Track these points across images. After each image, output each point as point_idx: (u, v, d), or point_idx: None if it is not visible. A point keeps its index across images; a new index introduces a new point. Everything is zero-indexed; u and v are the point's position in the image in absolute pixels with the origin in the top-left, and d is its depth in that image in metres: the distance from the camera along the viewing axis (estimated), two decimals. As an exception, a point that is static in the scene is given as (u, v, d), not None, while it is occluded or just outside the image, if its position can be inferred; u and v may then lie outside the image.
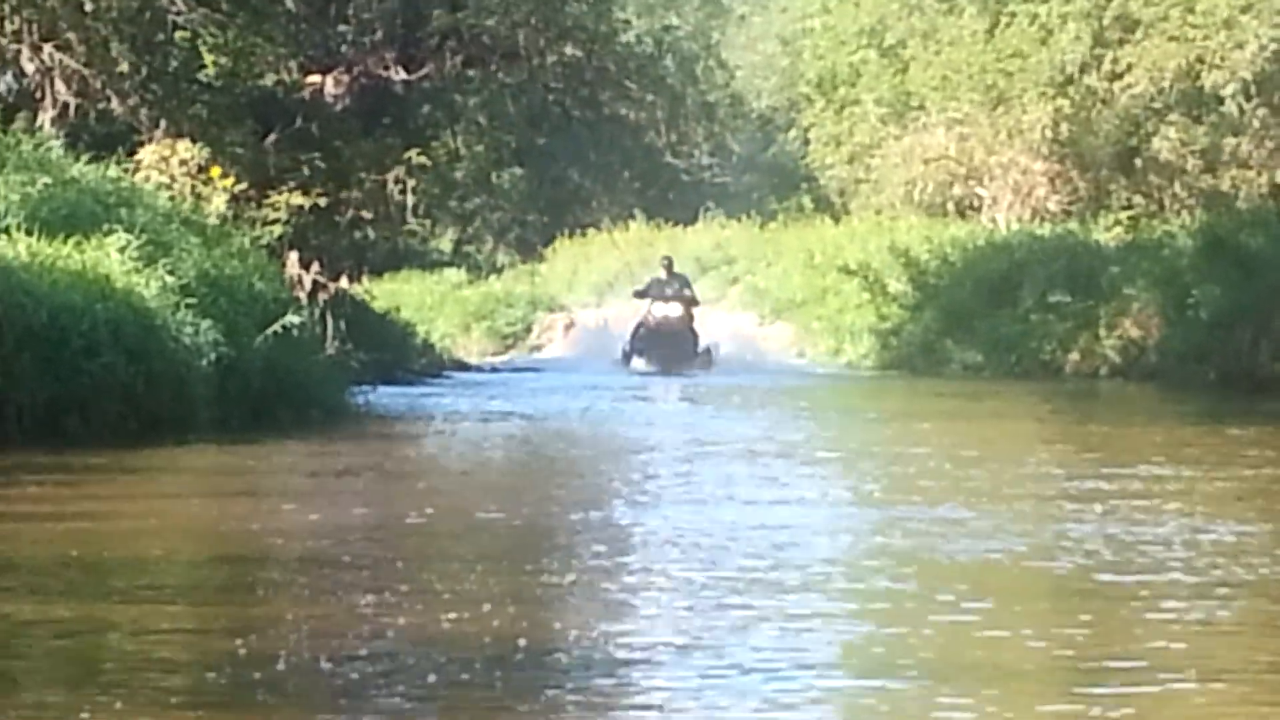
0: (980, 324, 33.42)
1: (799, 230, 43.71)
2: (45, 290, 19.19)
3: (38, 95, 27.78)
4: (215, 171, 26.32)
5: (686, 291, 33.10)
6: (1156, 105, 36.47)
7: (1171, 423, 23.53)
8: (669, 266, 35.26)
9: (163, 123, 28.04)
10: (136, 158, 25.22)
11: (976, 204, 39.56)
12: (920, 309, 34.46)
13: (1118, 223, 36.68)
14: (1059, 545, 11.72)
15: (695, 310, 33.78)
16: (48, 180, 21.76)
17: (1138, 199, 37.84)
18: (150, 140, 26.85)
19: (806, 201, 47.39)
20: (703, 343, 34.41)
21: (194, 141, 26.98)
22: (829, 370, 31.89)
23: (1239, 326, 27.44)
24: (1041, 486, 16.23)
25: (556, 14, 33.51)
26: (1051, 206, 37.97)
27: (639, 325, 32.90)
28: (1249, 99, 34.90)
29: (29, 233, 20.24)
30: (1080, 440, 21.04)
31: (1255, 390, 25.33)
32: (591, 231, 44.29)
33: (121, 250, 20.33)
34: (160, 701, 5.90)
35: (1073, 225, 37.17)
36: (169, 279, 20.58)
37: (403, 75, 31.83)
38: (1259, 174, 35.51)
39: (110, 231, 20.58)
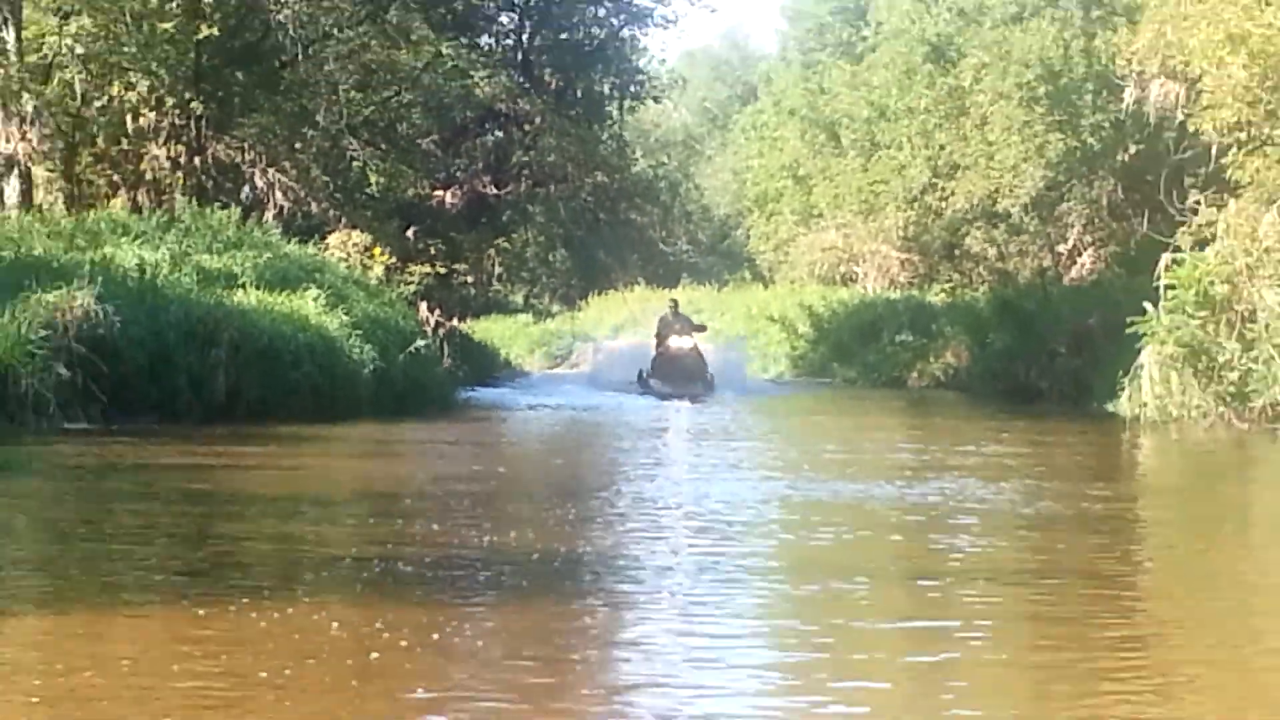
0: (856, 353, 35.57)
1: (741, 293, 46.18)
2: (267, 324, 19.12)
3: (265, 201, 27.13)
4: (376, 251, 26.31)
5: (690, 329, 29.95)
6: (969, 216, 38.66)
7: (973, 417, 24.12)
8: (674, 307, 31.30)
9: (343, 219, 28.09)
10: (326, 241, 25.12)
11: (854, 277, 42.36)
12: (817, 343, 37.73)
13: (943, 290, 38.91)
14: (899, 492, 12.16)
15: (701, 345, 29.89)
16: (270, 255, 21.83)
17: (956, 275, 40.71)
18: (335, 230, 26.70)
19: (747, 275, 51.82)
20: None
21: (362, 232, 26.83)
22: (761, 382, 33.40)
23: (1016, 358, 27.47)
24: (889, 453, 16.89)
25: (592, 154, 34.37)
26: (902, 279, 40.89)
27: (658, 355, 28.86)
28: (1027, 214, 38.04)
29: (257, 288, 20.37)
30: (915, 427, 22.36)
31: (1027, 399, 25.53)
32: (611, 292, 46.46)
33: (315, 300, 20.35)
34: (343, 580, 6.98)
35: (915, 292, 39.39)
36: (344, 318, 20.55)
37: (494, 191, 33.15)
38: (1033, 261, 39.55)
39: (308, 288, 20.59)
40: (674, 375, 27.88)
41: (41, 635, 5.96)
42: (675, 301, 31.00)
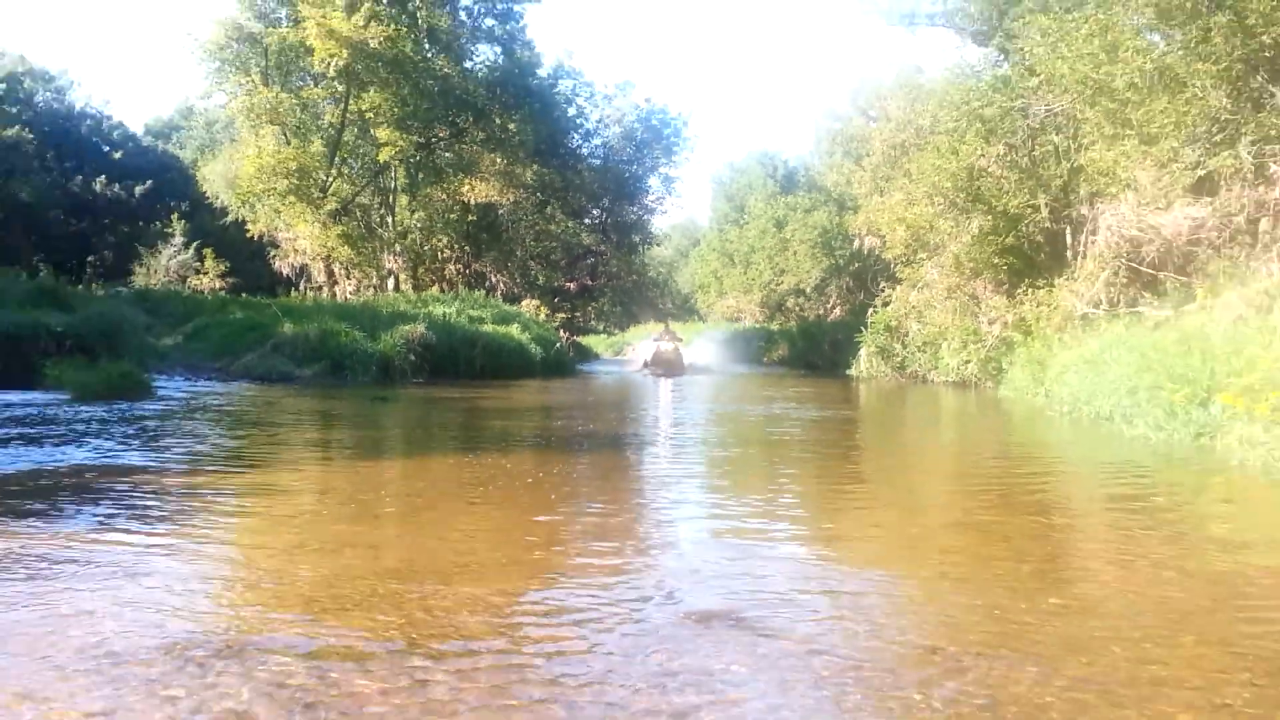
0: (741, 351, 39.37)
1: (694, 325, 52.44)
2: (495, 339, 22.68)
3: (495, 288, 35.43)
4: (540, 307, 33.07)
5: (679, 338, 31.40)
6: (788, 293, 48.11)
7: (788, 378, 27.87)
8: (666, 327, 33.27)
9: (527, 296, 35.18)
10: (521, 305, 31.75)
11: (740, 318, 50.01)
12: (726, 346, 40.22)
13: (777, 324, 46.13)
14: (757, 408, 15.91)
15: (680, 346, 30.10)
16: (497, 310, 26.81)
17: (781, 317, 48.28)
18: (525, 300, 33.88)
19: (697, 318, 61.71)
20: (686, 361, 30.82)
21: (535, 300, 34.39)
22: (698, 367, 31.61)
23: (808, 352, 34.29)
24: (756, 391, 20.94)
25: (631, 268, 42.58)
26: (760, 319, 48.51)
27: (654, 353, 29.51)
28: (813, 292, 46.84)
29: (492, 323, 24.20)
30: (765, 384, 24.72)
31: (813, 370, 30.72)
32: (638, 324, 50.25)
33: (516, 328, 24.63)
34: (530, 440, 9.97)
35: (766, 325, 46.99)
36: (527, 335, 24.54)
37: (589, 283, 40.69)
38: (814, 311, 46.60)
39: (513, 323, 25.27)
40: (661, 364, 28.87)
41: (406, 472, 7.95)
42: (666, 325, 35.08)
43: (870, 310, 29.11)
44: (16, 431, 9.30)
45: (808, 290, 46.07)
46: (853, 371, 28.18)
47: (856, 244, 33.93)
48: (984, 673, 3.00)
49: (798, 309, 47.31)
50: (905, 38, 36.39)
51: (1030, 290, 21.68)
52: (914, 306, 26.34)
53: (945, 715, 2.67)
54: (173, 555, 4.54)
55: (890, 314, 27.40)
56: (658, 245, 53.35)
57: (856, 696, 2.81)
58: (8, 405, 11.75)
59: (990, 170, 22.21)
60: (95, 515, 5.34)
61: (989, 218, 22.59)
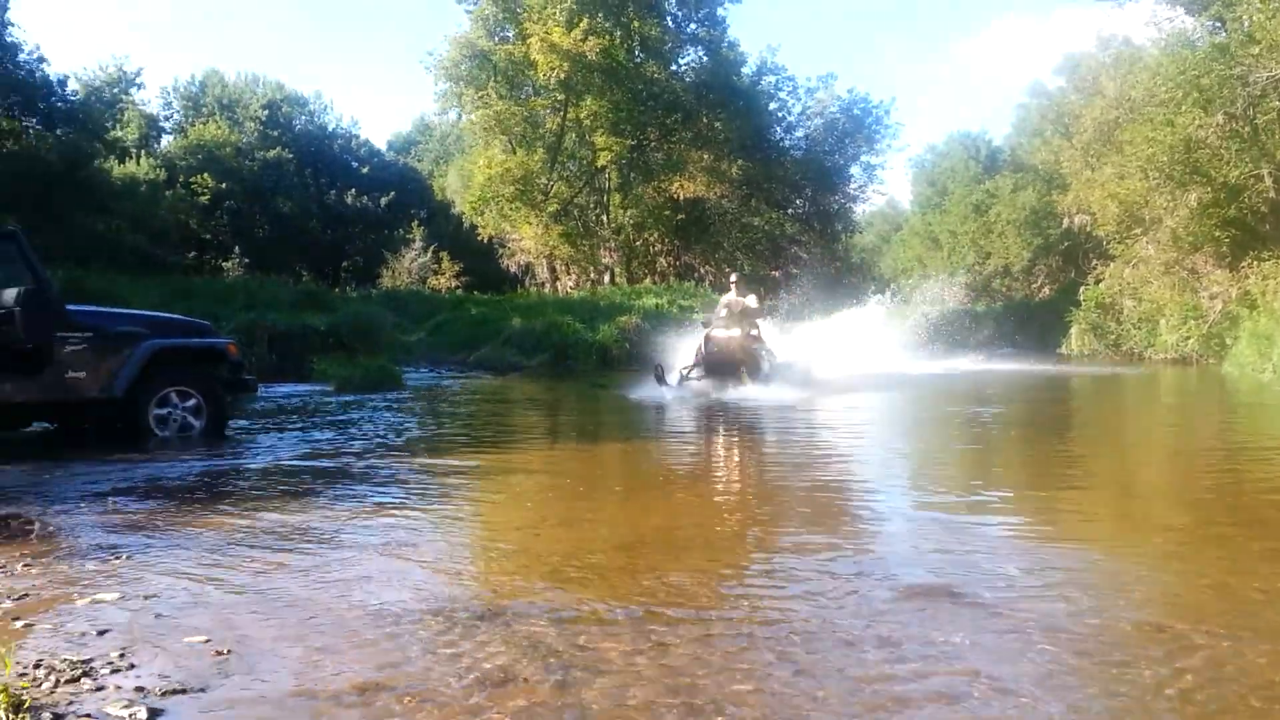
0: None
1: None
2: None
3: (703, 279, 35.29)
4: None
5: (753, 312, 26.37)
6: (995, 273, 45.26)
7: (1000, 358, 27.75)
8: (736, 283, 27.00)
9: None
10: None
11: (945, 300, 41.82)
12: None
13: (985, 304, 41.27)
14: (973, 394, 19.92)
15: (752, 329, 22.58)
16: (704, 299, 26.60)
17: (990, 298, 43.61)
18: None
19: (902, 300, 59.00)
20: None
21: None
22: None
23: (1017, 331, 32.56)
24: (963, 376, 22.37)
25: (831, 253, 41.50)
26: (965, 301, 42.32)
27: (705, 345, 24.40)
28: (1021, 269, 44.11)
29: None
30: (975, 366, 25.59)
31: (1029, 351, 27.36)
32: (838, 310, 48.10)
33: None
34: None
35: (973, 306, 41.40)
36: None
37: (793, 270, 37.67)
38: (1026, 291, 43.26)
39: None
40: (715, 364, 23.97)
41: (628, 453, 9.62)
42: (735, 282, 20.36)
43: (1081, 288, 28.30)
44: (294, 420, 10.22)
45: (1015, 271, 43.80)
46: (1063, 350, 27.24)
47: (1066, 222, 32.84)
48: (1215, 652, 2.87)
49: (1004, 289, 44.83)
50: (1111, 12, 33.70)
51: (1256, 263, 20.52)
52: (1128, 283, 25.58)
53: (1175, 692, 2.58)
54: (434, 528, 4.86)
55: (1103, 291, 26.63)
56: (860, 233, 51.77)
57: (1083, 673, 2.74)
58: (285, 396, 12.90)
59: (1208, 141, 21.21)
60: (366, 492, 5.78)
61: (1208, 190, 21.57)
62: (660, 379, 13.11)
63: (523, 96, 34.27)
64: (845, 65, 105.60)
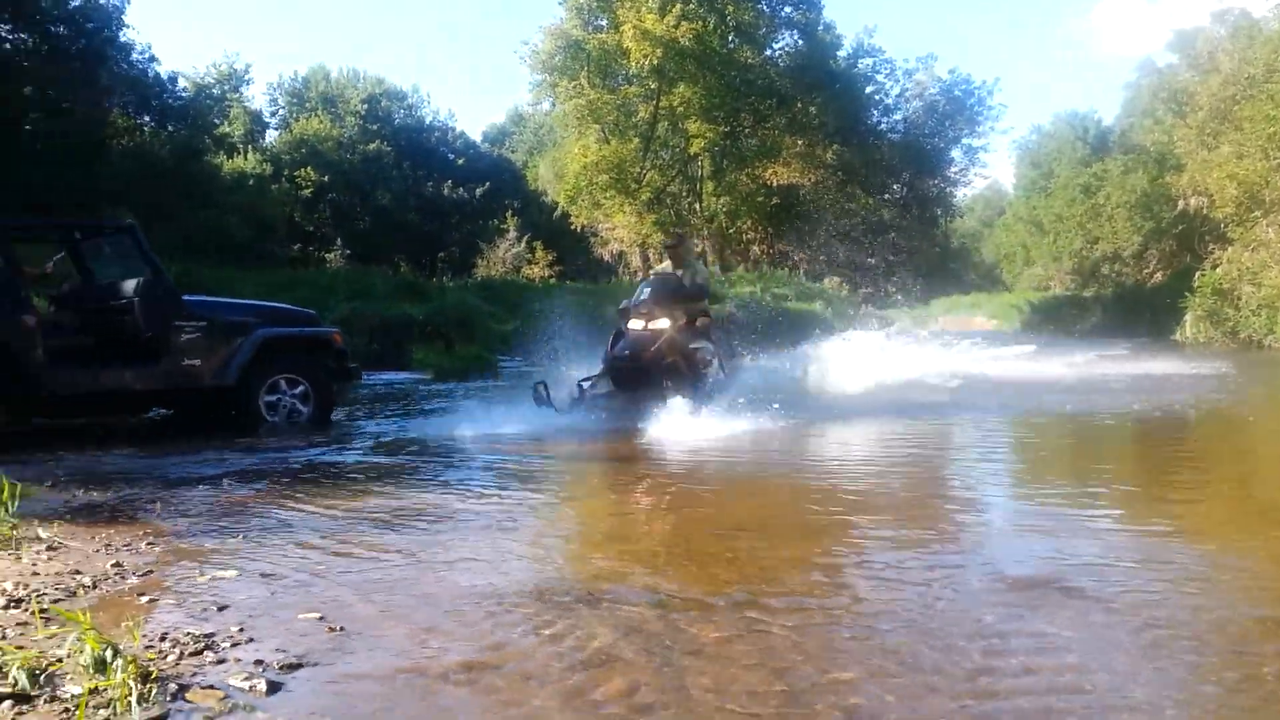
0: (1049, 319, 36.26)
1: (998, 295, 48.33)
2: (798, 315, 24.17)
3: (799, 265, 36.36)
4: (841, 284, 34.56)
5: (684, 292, 22.33)
6: (1103, 258, 43.50)
7: (1108, 345, 27.67)
8: (677, 245, 29.63)
9: (828, 273, 36.13)
10: (824, 281, 33.35)
11: (1048, 287, 45.16)
12: (1034, 313, 38.98)
13: (1094, 290, 41.51)
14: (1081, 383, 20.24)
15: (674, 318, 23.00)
16: (801, 288, 29.27)
17: (1098, 284, 43.00)
18: (826, 276, 35.13)
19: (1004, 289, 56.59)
20: None
21: (836, 276, 35.43)
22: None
23: (1127, 318, 31.41)
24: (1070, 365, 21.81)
25: (930, 238, 41.90)
26: (1071, 287, 44.30)
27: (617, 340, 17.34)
28: (1131, 254, 41.99)
29: (796, 300, 26.01)
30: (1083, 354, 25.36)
31: (1140, 339, 26.47)
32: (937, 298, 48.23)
33: (820, 305, 26.86)
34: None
35: (1079, 292, 42.36)
36: (830, 311, 26.17)
37: (891, 257, 38.82)
38: (1137, 277, 40.84)
39: (815, 299, 27.35)
40: (624, 368, 18.82)
41: None
42: (676, 245, 11.92)
43: (1197, 274, 27.18)
44: (395, 406, 10.58)
45: (1125, 256, 42.12)
46: (1177, 337, 26.37)
47: (1180, 205, 31.91)
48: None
49: (1114, 275, 43.14)
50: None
51: (1382, 247, 19.65)
52: (1247, 268, 24.72)
53: (1296, 689, 2.56)
54: (533, 513, 5.00)
55: (1220, 276, 25.65)
56: (960, 217, 51.13)
57: (1198, 667, 2.65)
58: (385, 384, 13.28)
59: (1333, 118, 20.39)
60: (465, 477, 5.92)
61: (1333, 169, 20.69)
62: (541, 398, 8.91)
63: (615, 85, 34.28)
64: (946, 46, 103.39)
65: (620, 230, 35.32)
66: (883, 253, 38.51)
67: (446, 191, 45.65)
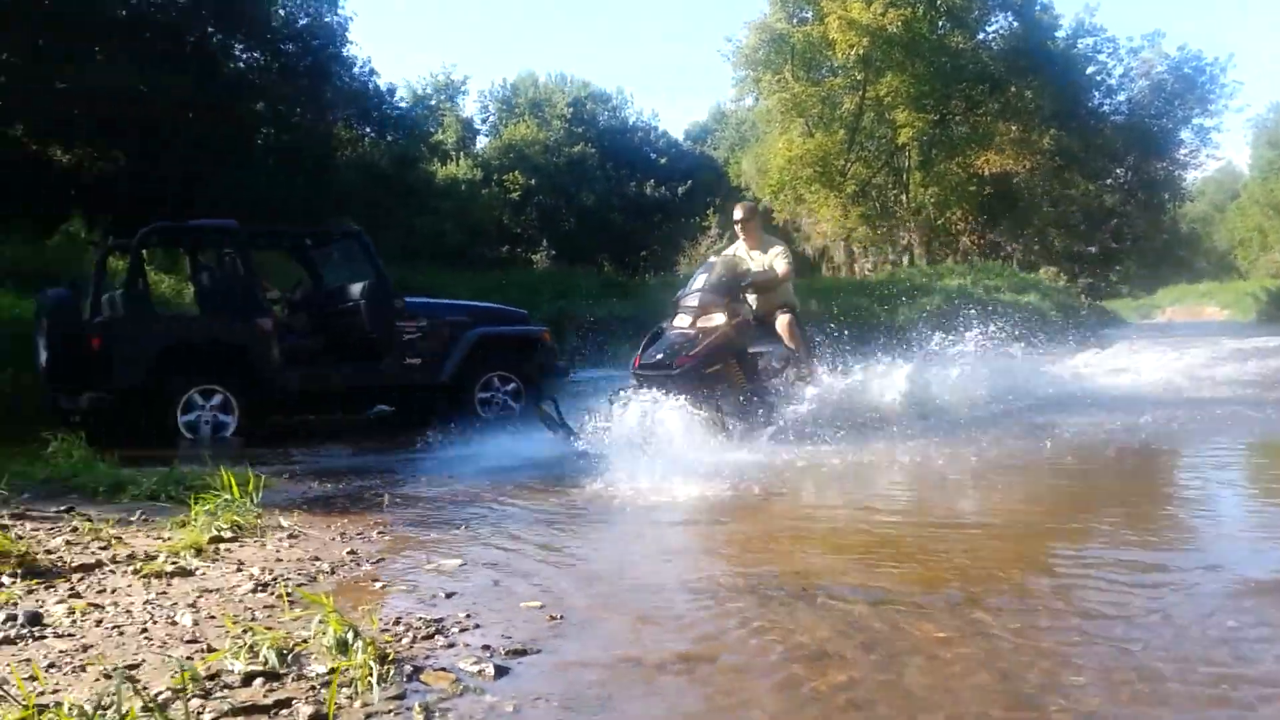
0: None
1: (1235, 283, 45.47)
2: (1012, 307, 21.10)
3: (1011, 258, 34.79)
4: (1060, 275, 33.11)
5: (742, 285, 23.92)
6: None
7: None
8: (750, 226, 21.81)
9: (1045, 262, 34.54)
10: (1039, 272, 31.53)
11: None
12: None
13: None
14: None
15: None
16: (1016, 279, 27.46)
17: None
18: (1043, 266, 33.49)
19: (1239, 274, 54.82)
20: None
21: (1052, 266, 34.05)
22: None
23: None
24: None
25: (1156, 224, 39.85)
26: None
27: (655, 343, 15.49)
28: None
29: (1009, 292, 24.47)
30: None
31: None
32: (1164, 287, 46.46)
33: (1036, 297, 25.00)
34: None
35: None
36: (1047, 302, 24.81)
37: (1111, 246, 37.16)
38: None
39: (1029, 291, 25.45)
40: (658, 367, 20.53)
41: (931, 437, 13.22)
42: (751, 225, 8.70)
43: None
44: (603, 403, 10.72)
45: None
46: None
47: None
48: None
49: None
50: None
51: None
52: None
53: None
54: (745, 506, 4.97)
55: None
56: (1190, 201, 47.48)
57: None
58: (592, 381, 13.44)
59: None
60: (674, 469, 5.78)
61: None
62: (553, 421, 7.48)
63: (820, 77, 33.96)
64: (1174, 21, 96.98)
65: (824, 224, 34.92)
66: (1104, 241, 36.88)
67: (649, 190, 46.18)
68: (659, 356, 7.26)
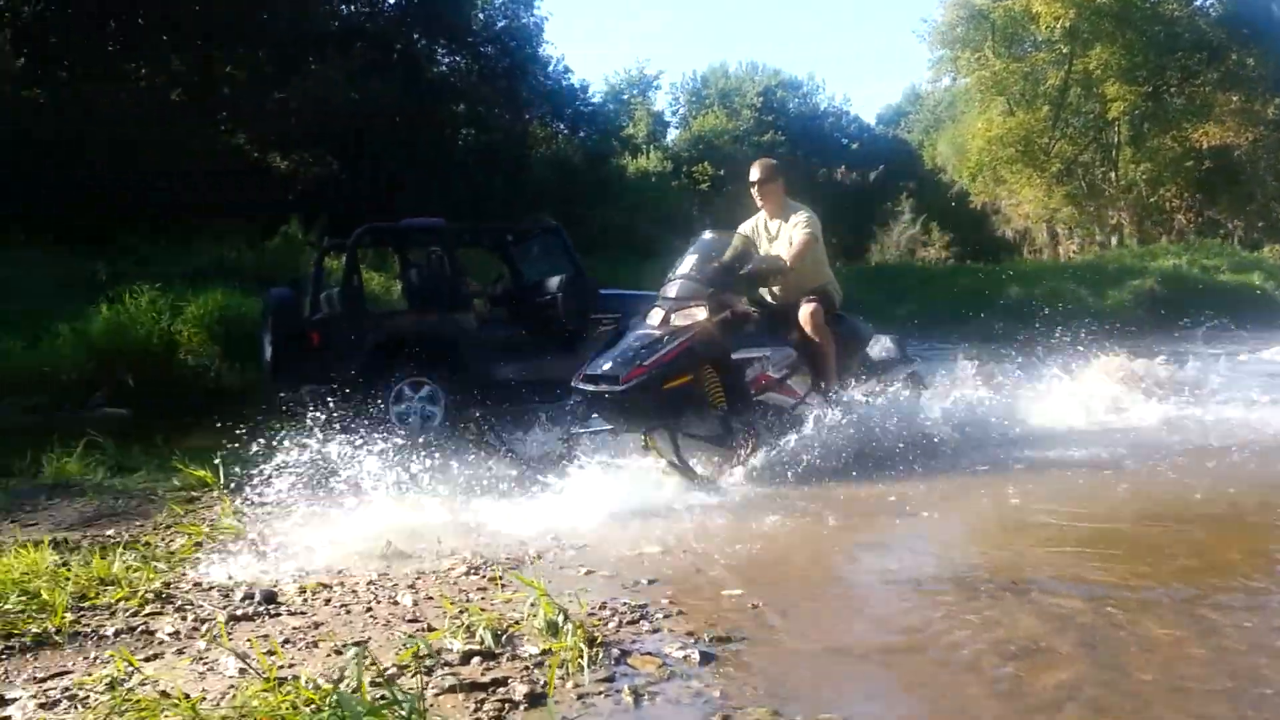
0: None
1: None
2: (1231, 288, 21.77)
3: (1226, 229, 32.44)
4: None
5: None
6: None
7: None
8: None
9: (1270, 240, 31.33)
10: (1263, 250, 28.88)
11: None
12: None
13: None
14: None
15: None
16: (1232, 257, 25.13)
17: None
18: (1268, 244, 30.36)
19: None
20: None
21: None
22: None
23: None
24: None
25: None
26: None
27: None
28: None
29: (1229, 272, 22.92)
30: None
31: None
32: None
33: (1260, 277, 22.57)
34: None
35: None
36: (1272, 283, 22.74)
37: None
38: None
39: (1252, 270, 23.39)
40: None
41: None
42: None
43: None
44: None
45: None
46: None
47: None
48: None
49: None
50: None
51: None
52: None
53: None
54: (945, 498, 4.83)
55: None
56: None
57: None
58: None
59: None
60: (878, 464, 5.51)
61: None
62: (491, 444, 5.99)
63: (1022, 53, 32.94)
64: None
65: (1026, 206, 34.05)
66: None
67: (839, 177, 45.43)
68: (605, 366, 5.49)
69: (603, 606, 3.14)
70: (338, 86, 19.59)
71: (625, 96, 43.70)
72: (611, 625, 2.97)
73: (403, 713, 2.10)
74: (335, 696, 2.19)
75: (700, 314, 5.58)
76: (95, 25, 18.69)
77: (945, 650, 2.69)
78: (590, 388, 5.47)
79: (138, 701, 2.33)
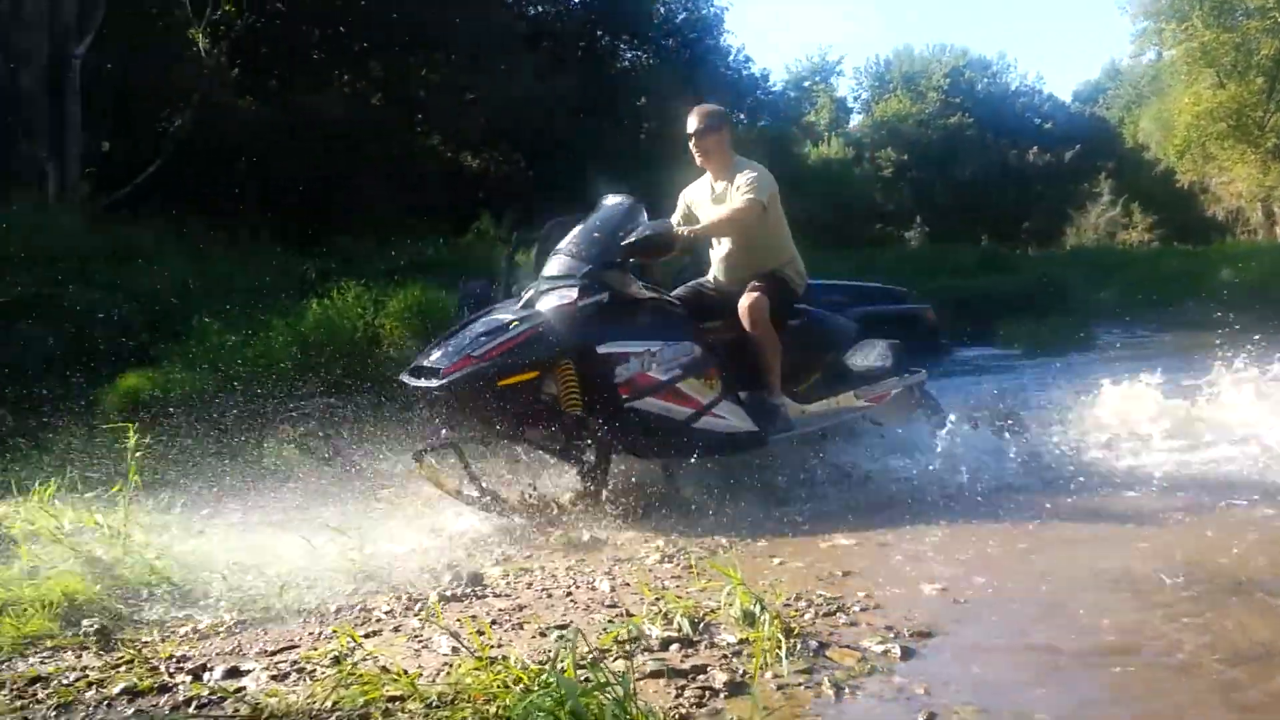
0: None
1: None
2: None
3: None
4: None
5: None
6: None
7: None
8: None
9: None
10: None
11: None
12: None
13: None
14: None
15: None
16: None
17: None
18: None
19: None
20: None
21: None
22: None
23: None
24: None
25: None
26: None
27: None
28: None
29: None
30: None
31: None
32: None
33: None
34: None
35: None
36: None
37: None
38: None
39: None
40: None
41: None
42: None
43: None
44: (984, 381, 10.35)
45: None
46: None
47: None
48: None
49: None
50: None
51: None
52: None
53: None
54: (1159, 493, 4.50)
55: None
56: None
57: None
58: (974, 359, 13.08)
59: None
60: (1070, 454, 5.35)
61: None
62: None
63: (1234, 22, 30.89)
64: None
65: (1239, 184, 32.18)
66: None
67: (1031, 158, 44.19)
68: (434, 356, 4.42)
69: (798, 598, 3.14)
70: (524, 85, 20.06)
71: (806, 83, 43.45)
72: (808, 616, 2.96)
73: (613, 695, 2.13)
74: (549, 676, 2.25)
75: (570, 295, 4.51)
76: (301, 35, 19.55)
77: (1162, 654, 2.57)
78: (414, 382, 4.37)
79: (361, 676, 2.45)
